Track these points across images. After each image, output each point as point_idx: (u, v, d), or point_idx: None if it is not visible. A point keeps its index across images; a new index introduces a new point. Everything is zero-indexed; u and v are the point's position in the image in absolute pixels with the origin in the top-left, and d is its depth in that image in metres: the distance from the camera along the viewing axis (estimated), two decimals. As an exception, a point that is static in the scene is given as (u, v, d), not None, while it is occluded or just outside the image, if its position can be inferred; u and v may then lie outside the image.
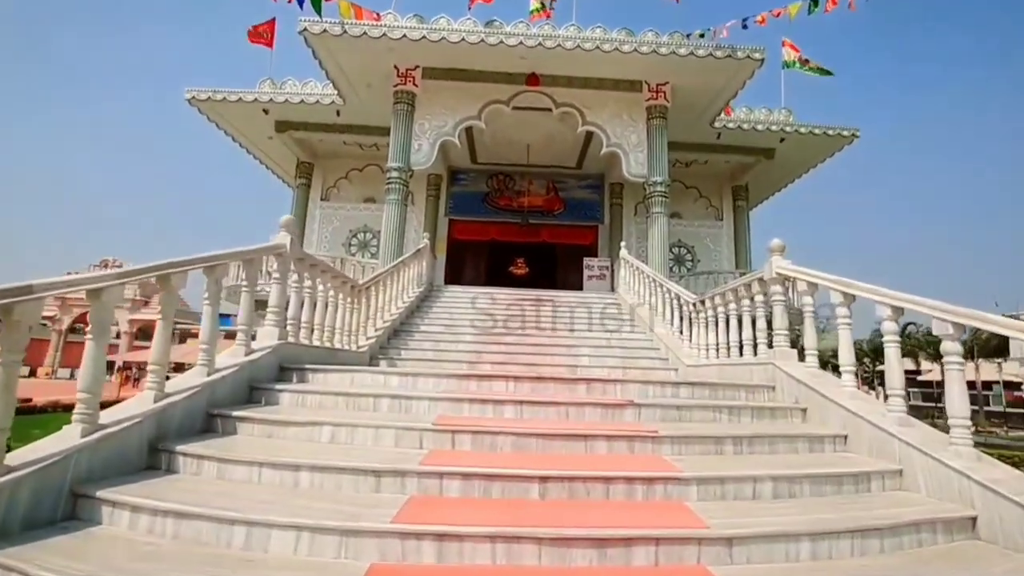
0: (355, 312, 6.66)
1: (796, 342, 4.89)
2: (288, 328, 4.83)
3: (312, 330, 5.47)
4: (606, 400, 3.62)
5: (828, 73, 13.22)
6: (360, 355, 6.40)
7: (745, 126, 12.39)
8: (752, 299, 5.31)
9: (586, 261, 12.96)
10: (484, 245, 14.94)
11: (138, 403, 3.14)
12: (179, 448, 2.97)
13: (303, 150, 13.91)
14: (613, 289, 12.04)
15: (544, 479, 2.62)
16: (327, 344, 5.62)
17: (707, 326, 6.39)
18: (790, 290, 6.25)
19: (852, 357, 3.98)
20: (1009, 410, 25.81)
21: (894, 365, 3.51)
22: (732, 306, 5.78)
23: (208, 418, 3.46)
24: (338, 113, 12.42)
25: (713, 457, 3.11)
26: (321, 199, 14.29)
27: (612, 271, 12.61)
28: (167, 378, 3.37)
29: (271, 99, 12.00)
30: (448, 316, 8.84)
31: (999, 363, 26.62)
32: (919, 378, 30.62)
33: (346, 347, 6.17)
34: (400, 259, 8.87)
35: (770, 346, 4.97)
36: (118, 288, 2.95)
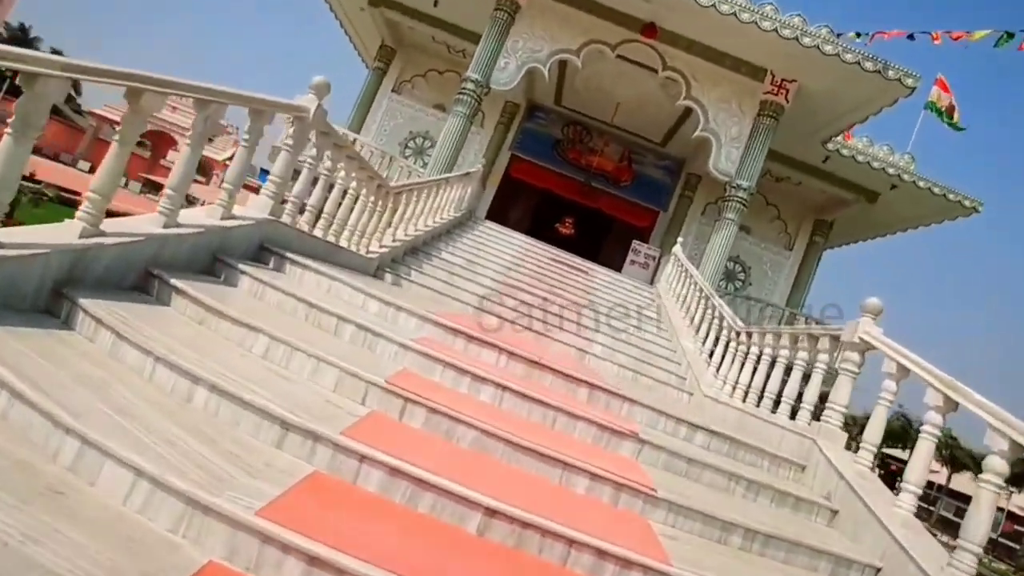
0: (377, 215, 5.93)
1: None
2: (288, 206, 4.13)
3: (319, 218, 4.78)
4: (607, 420, 2.84)
5: (960, 128, 11.29)
6: (366, 261, 5.73)
7: (860, 158, 10.76)
8: (814, 355, 4.35)
9: (634, 244, 11.87)
10: (537, 192, 13.90)
11: (57, 232, 2.50)
12: (83, 302, 2.34)
13: (391, 33, 12.83)
14: (652, 282, 11.03)
15: (491, 512, 1.88)
16: (331, 239, 4.93)
17: (744, 362, 5.46)
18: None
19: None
20: (1000, 539, 24.29)
21: (920, 461, 3.11)
22: (785, 352, 4.83)
23: (146, 276, 2.82)
24: (435, 3, 11.23)
25: (714, 548, 2.33)
26: (392, 90, 13.33)
27: (658, 263, 11.54)
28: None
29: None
30: (475, 252, 8.07)
31: (1011, 491, 24.78)
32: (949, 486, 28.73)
33: (353, 248, 5.49)
34: (446, 176, 8.03)
35: (815, 417, 4.07)
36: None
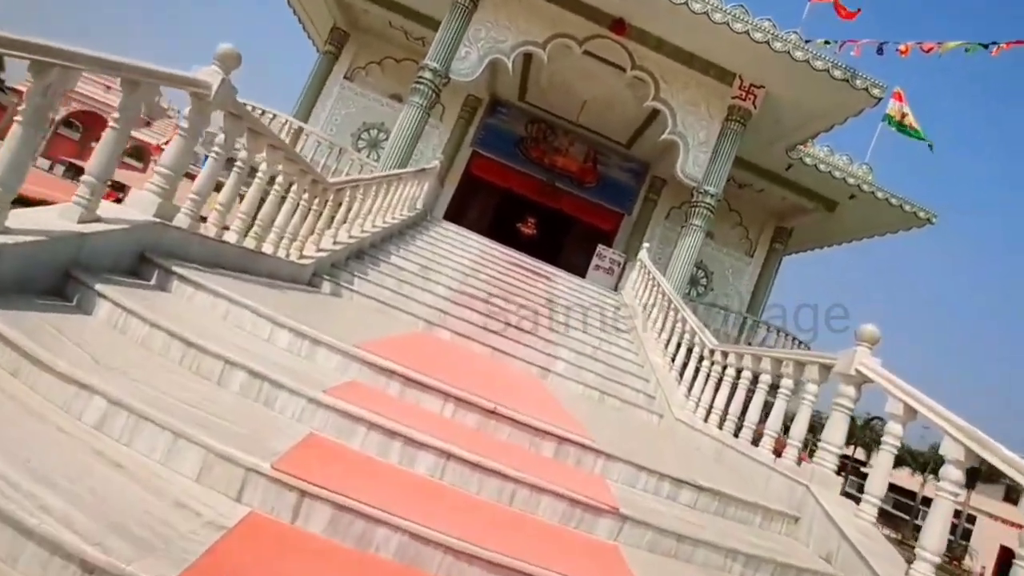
0: (313, 214, 5.11)
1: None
2: (186, 205, 3.29)
3: (231, 218, 3.94)
4: (578, 491, 2.21)
5: (926, 142, 11.38)
6: (298, 268, 4.91)
7: (822, 167, 10.64)
8: (800, 384, 3.89)
9: (599, 249, 11.38)
10: (499, 191, 13.23)
11: None
12: None
13: (343, 15, 11.83)
14: (617, 288, 10.57)
15: None
16: (250, 244, 4.10)
17: (720, 385, 4.99)
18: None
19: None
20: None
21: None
22: (765, 377, 4.36)
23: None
24: (392, -15, 10.36)
25: None
26: (345, 77, 12.33)
27: (623, 268, 11.10)
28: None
29: (322, -61, 9.87)
30: (430, 256, 7.32)
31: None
32: (862, 469, 30.09)
33: (282, 254, 4.66)
34: (398, 171, 7.24)
35: (809, 454, 3.60)
36: None
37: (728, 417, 4.60)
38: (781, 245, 13.16)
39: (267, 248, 4.38)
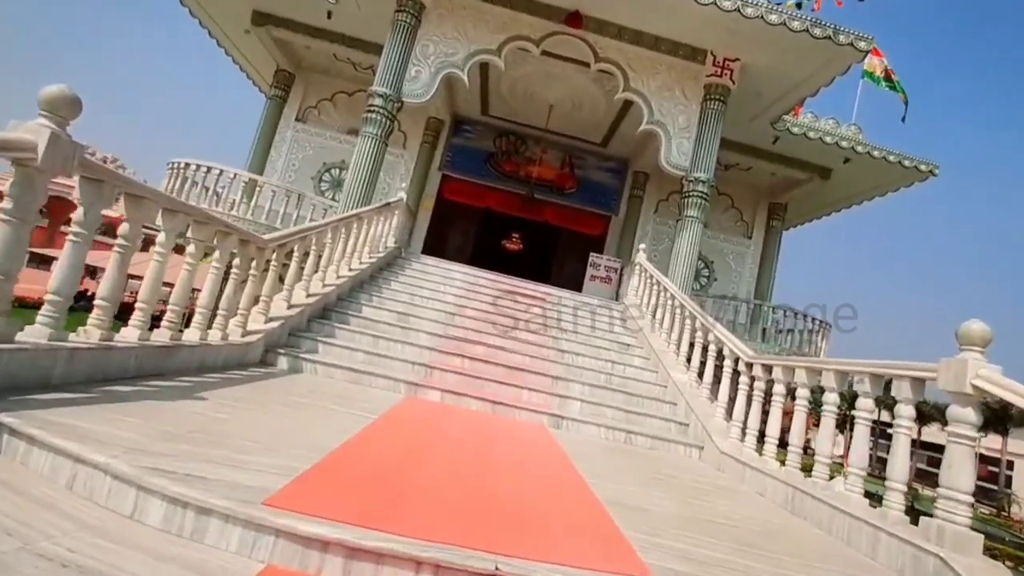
0: (252, 281, 4.20)
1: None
2: (45, 310, 2.38)
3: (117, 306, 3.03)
4: None
5: (904, 96, 10.70)
6: (243, 349, 3.98)
7: (811, 134, 9.88)
8: (888, 408, 2.99)
9: (592, 258, 10.51)
10: (477, 213, 12.39)
11: None
12: None
13: (285, 55, 11.04)
14: (618, 297, 9.70)
15: None
16: (160, 338, 3.17)
17: (767, 405, 4.09)
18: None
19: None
20: (978, 483, 24.45)
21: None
22: (832, 396, 3.46)
23: None
24: (329, 15, 9.56)
25: None
26: (297, 119, 11.49)
27: (620, 275, 10.24)
28: None
29: (246, -23, 9.10)
30: (408, 300, 6.41)
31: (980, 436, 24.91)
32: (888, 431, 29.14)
33: (215, 337, 3.74)
34: (355, 212, 6.35)
35: (920, 504, 2.69)
36: None
37: (792, 449, 3.68)
38: (778, 222, 12.36)
39: (191, 335, 3.45)
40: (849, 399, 4.96)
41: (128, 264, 2.81)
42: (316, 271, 5.54)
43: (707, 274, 12.03)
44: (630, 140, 11.29)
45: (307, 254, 5.10)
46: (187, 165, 8.86)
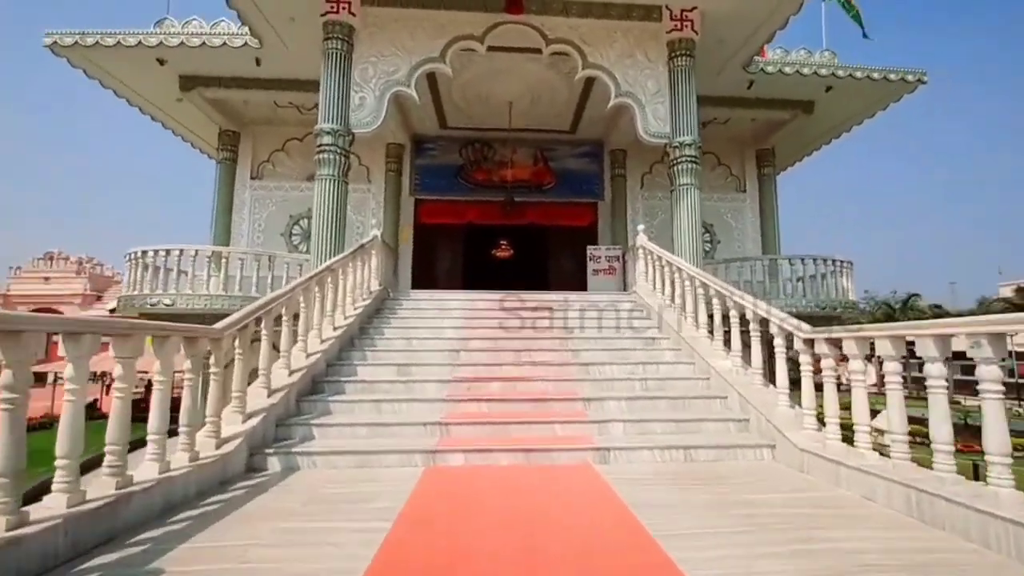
0: (215, 382, 3.51)
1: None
2: None
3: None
4: None
5: (857, 11, 10.01)
6: (219, 464, 3.28)
7: (787, 70, 9.22)
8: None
9: (591, 251, 9.83)
10: (459, 231, 11.71)
11: None
12: None
13: (224, 115, 10.38)
14: (626, 286, 9.02)
15: None
16: (99, 495, 2.49)
17: (848, 388, 3.42)
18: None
19: None
20: (1021, 382, 23.44)
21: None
22: (937, 367, 2.77)
23: None
24: (258, 62, 8.91)
25: None
26: (252, 177, 10.83)
27: (623, 262, 9.56)
28: None
29: (161, 42, 8.43)
30: (406, 348, 5.74)
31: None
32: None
33: (181, 460, 3.05)
34: (326, 265, 5.67)
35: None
36: None
37: (893, 435, 2.99)
38: (769, 168, 11.70)
39: (146, 471, 2.77)
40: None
41: (23, 421, 2.11)
42: (295, 342, 4.86)
43: (708, 239, 11.36)
44: (599, 120, 10.64)
45: (279, 327, 4.41)
46: (144, 252, 8.21)
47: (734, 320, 4.84)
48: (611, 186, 11.54)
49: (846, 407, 3.78)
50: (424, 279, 11.05)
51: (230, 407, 3.77)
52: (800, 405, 3.92)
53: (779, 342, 4.15)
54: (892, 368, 3.01)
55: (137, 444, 3.09)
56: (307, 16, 7.52)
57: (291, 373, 4.50)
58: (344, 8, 7.30)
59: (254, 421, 3.77)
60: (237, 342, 3.83)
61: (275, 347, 4.44)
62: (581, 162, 11.61)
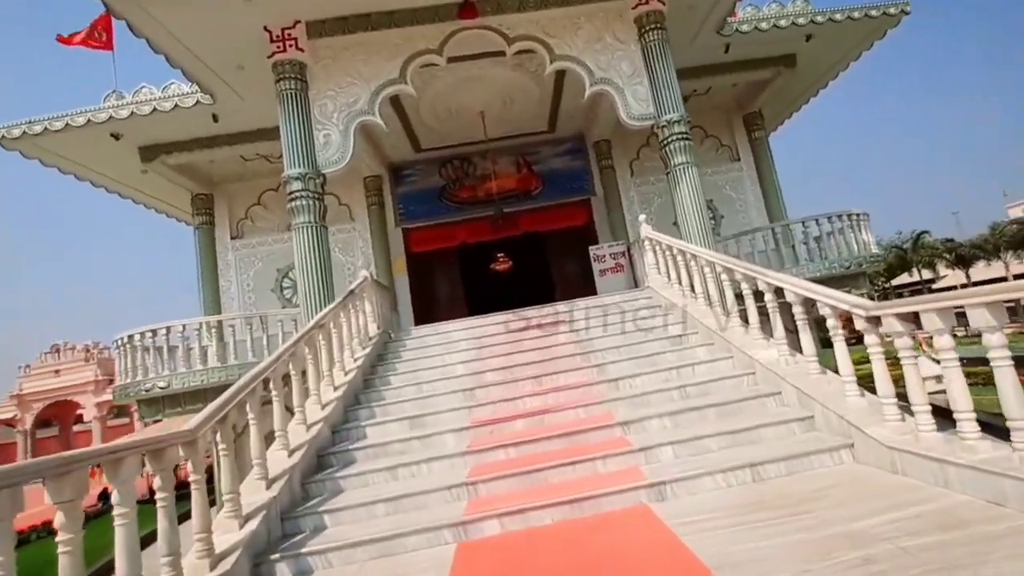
0: (197, 493, 2.98)
1: None
2: None
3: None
4: None
5: None
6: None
7: (763, 25, 8.69)
8: None
9: (593, 252, 9.29)
10: (453, 253, 11.20)
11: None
12: None
13: (193, 179, 9.94)
14: (637, 282, 8.47)
15: None
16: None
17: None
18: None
19: None
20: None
21: None
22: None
23: None
24: (215, 118, 8.48)
25: None
26: (232, 237, 10.37)
27: (630, 257, 9.00)
28: None
29: (111, 116, 8.00)
30: (414, 395, 5.19)
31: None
32: (934, 286, 27.61)
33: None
34: (316, 320, 5.14)
35: None
36: None
37: (1014, 422, 2.42)
38: (760, 132, 11.14)
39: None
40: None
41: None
42: (293, 415, 4.34)
43: (711, 215, 10.73)
44: (577, 113, 10.15)
45: (266, 412, 3.88)
46: (131, 337, 7.75)
47: (771, 305, 4.27)
48: (601, 179, 11.00)
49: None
50: (426, 308, 10.54)
51: (223, 512, 3.23)
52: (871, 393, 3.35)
53: (833, 323, 3.58)
54: (997, 341, 2.44)
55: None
56: (255, 61, 7.07)
57: (291, 453, 3.97)
58: (291, 45, 6.84)
59: (254, 523, 3.23)
60: (219, 435, 3.30)
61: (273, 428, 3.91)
62: (565, 160, 11.10)
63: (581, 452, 3.77)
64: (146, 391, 7.48)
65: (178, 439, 2.92)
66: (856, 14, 8.71)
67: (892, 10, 8.79)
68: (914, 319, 2.86)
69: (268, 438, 4.01)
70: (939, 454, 2.74)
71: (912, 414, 3.05)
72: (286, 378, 4.32)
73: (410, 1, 6.88)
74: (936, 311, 2.69)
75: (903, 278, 26.49)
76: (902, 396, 3.12)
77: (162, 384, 7.47)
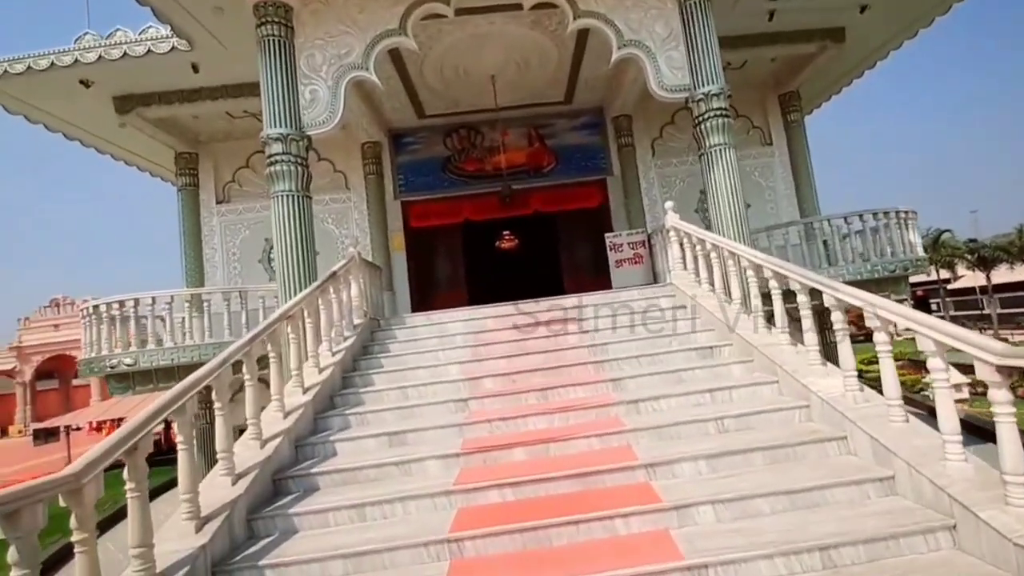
0: (82, 555, 2.16)
1: None
2: None
3: None
4: None
5: None
6: None
7: (815, -9, 7.50)
8: None
9: (610, 240, 8.31)
10: (456, 231, 10.24)
11: None
12: None
13: (176, 135, 8.94)
14: (656, 276, 7.55)
15: None
16: None
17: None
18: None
19: None
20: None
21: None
22: None
23: None
24: (195, 68, 7.44)
25: None
26: (218, 201, 9.43)
27: (650, 248, 8.04)
28: None
29: (77, 59, 6.97)
30: (399, 399, 4.37)
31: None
32: (950, 286, 26.52)
33: None
34: (283, 311, 4.26)
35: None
36: None
37: None
38: (796, 114, 9.99)
39: None
40: None
41: None
42: (247, 427, 3.51)
43: (738, 203, 9.75)
44: (598, 83, 9.05)
45: (212, 411, 3.03)
46: (97, 307, 6.94)
47: (839, 326, 3.37)
48: (619, 158, 9.94)
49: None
50: (424, 289, 9.67)
51: (128, 572, 2.42)
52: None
53: (936, 364, 2.68)
54: None
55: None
56: (235, 2, 6.00)
57: (236, 480, 3.15)
58: (276, -17, 5.76)
59: (203, 538, 2.43)
60: (126, 472, 2.47)
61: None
62: (582, 135, 10.01)
63: (595, 503, 2.93)
64: (111, 367, 6.71)
65: (55, 486, 2.07)
66: (924, -20, 7.50)
67: (966, -21, 7.55)
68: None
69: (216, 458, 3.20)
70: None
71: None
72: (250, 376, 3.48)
73: (415, -64, 5.77)
74: None
75: (919, 276, 25.47)
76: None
77: (128, 361, 6.69)
